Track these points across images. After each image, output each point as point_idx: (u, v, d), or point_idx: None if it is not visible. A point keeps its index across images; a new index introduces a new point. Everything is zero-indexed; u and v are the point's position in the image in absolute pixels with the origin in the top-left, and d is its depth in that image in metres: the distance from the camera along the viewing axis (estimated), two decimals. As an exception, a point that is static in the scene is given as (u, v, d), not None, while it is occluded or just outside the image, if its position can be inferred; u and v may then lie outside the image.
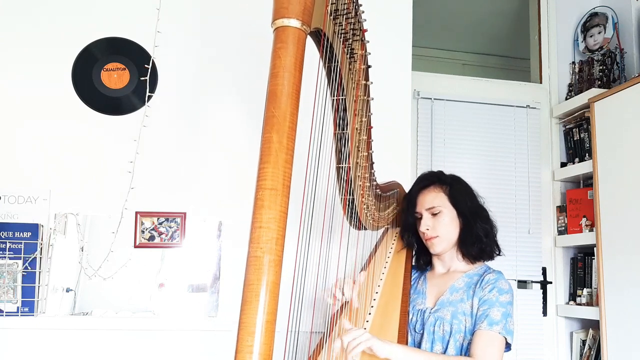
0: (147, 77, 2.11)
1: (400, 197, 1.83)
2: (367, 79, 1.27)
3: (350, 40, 1.15)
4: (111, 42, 2.21)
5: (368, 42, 1.21)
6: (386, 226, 1.83)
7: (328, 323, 1.42)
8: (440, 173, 1.63)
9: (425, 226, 1.55)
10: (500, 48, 4.09)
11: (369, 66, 1.26)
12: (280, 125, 0.77)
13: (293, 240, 0.96)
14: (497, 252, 1.57)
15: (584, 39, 3.01)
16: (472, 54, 4.20)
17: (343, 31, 1.09)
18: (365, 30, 1.17)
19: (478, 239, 1.53)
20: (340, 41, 1.10)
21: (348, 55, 1.17)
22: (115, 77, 2.19)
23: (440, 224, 1.54)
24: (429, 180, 1.60)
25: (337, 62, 1.11)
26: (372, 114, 1.35)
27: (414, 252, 1.70)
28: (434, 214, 1.54)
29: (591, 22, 2.99)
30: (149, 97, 2.13)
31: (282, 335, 0.97)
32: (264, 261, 0.72)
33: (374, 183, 1.53)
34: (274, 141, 0.76)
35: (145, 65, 2.12)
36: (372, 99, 1.31)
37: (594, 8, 2.99)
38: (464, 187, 1.60)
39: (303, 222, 1.02)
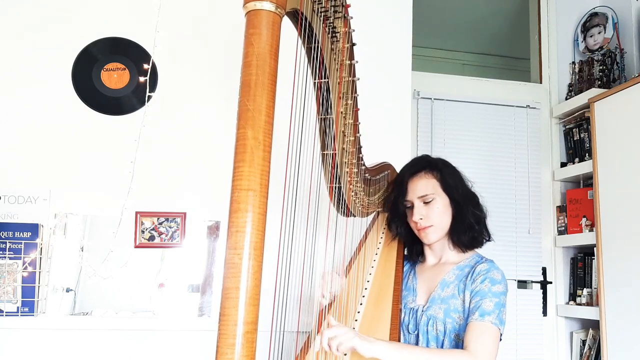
0: (147, 77, 2.11)
1: (392, 179, 1.74)
2: (352, 58, 1.19)
3: (332, 18, 1.06)
4: (111, 42, 2.21)
5: (352, 18, 1.12)
6: (377, 210, 1.75)
7: (315, 321, 1.36)
8: (429, 157, 1.54)
9: (419, 215, 1.46)
10: (500, 48, 4.09)
11: (354, 44, 1.18)
12: (256, 119, 0.71)
13: (276, 233, 0.91)
14: (487, 238, 1.50)
15: (584, 39, 3.01)
16: (472, 54, 4.20)
17: (323, 9, 1.01)
18: (349, 6, 1.09)
19: (470, 226, 1.46)
20: (320, 20, 1.02)
21: (330, 35, 1.09)
22: (115, 77, 2.19)
23: (434, 212, 1.45)
24: (420, 165, 1.51)
25: (318, 42, 1.02)
26: (358, 95, 1.27)
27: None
28: (427, 202, 1.46)
29: (591, 22, 2.99)
30: (149, 97, 2.13)
31: (266, 335, 0.93)
32: (242, 268, 0.67)
33: (362, 168, 1.46)
34: (249, 137, 0.70)
35: (145, 65, 2.12)
36: (359, 79, 1.23)
37: (594, 8, 2.99)
38: (454, 172, 1.51)
39: (287, 213, 0.96)
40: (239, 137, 0.71)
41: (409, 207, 1.50)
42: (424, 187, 1.47)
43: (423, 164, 1.51)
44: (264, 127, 0.71)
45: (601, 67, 2.85)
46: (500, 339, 1.36)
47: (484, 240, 1.50)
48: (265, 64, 0.72)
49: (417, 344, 1.43)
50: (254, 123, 0.71)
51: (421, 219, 1.46)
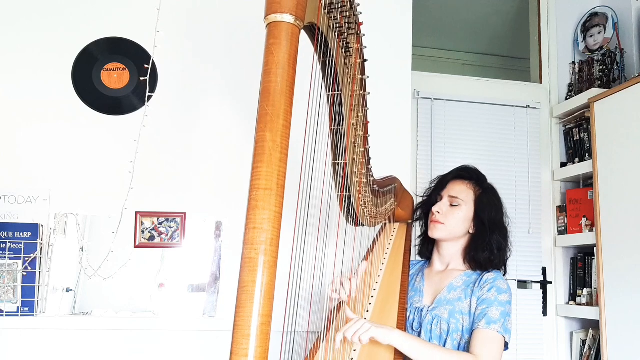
0: (147, 77, 2.11)
1: (398, 192, 1.80)
2: (363, 73, 1.25)
3: (346, 34, 1.12)
4: (111, 42, 2.21)
5: (364, 35, 1.19)
6: (384, 222, 1.81)
7: (325, 320, 1.41)
8: (484, 177, 1.63)
9: (438, 209, 1.55)
10: (500, 48, 4.09)
11: (365, 60, 1.23)
12: (274, 123, 0.75)
13: (289, 238, 0.95)
14: (504, 272, 1.56)
15: (584, 39, 3.01)
16: (472, 54, 4.20)
17: (338, 25, 1.06)
18: (361, 24, 1.15)
19: (489, 248, 1.51)
20: (335, 35, 1.07)
21: (343, 50, 1.15)
22: (115, 77, 2.19)
23: (453, 216, 1.54)
24: (469, 174, 1.61)
25: (332, 56, 1.08)
26: (368, 108, 1.33)
27: (417, 241, 1.70)
28: (453, 205, 1.55)
29: (591, 22, 2.99)
30: (149, 97, 2.13)
31: (278, 335, 0.96)
32: (259, 263, 0.70)
33: (371, 179, 1.52)
34: (267, 140, 0.74)
35: (145, 65, 2.12)
36: (369, 93, 1.30)
37: (594, 8, 2.98)
38: (496, 200, 1.59)
39: (299, 219, 1.00)
40: (258, 139, 0.74)
41: (439, 200, 1.59)
42: (459, 191, 1.56)
43: (473, 175, 1.61)
44: (281, 131, 0.75)
45: (601, 67, 2.85)
46: (507, 348, 1.41)
47: (502, 270, 1.55)
48: (284, 72, 0.77)
49: None
50: (273, 126, 0.75)
51: (438, 212, 1.55)
